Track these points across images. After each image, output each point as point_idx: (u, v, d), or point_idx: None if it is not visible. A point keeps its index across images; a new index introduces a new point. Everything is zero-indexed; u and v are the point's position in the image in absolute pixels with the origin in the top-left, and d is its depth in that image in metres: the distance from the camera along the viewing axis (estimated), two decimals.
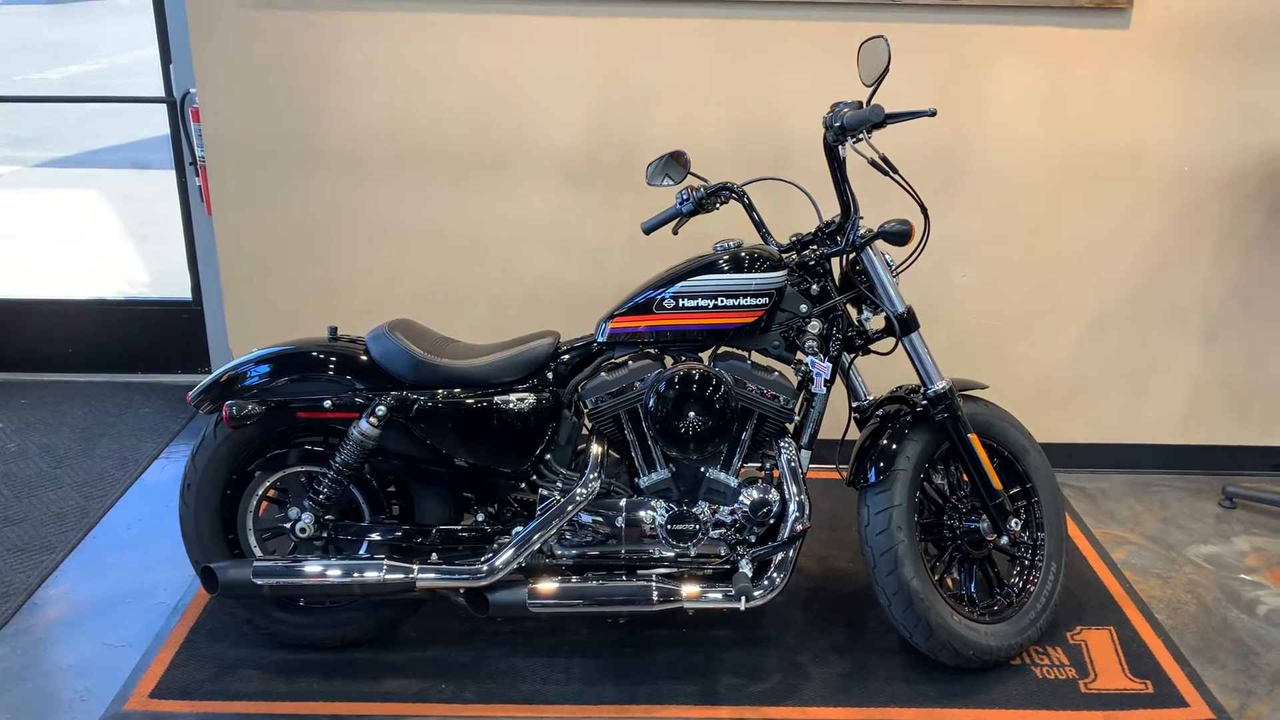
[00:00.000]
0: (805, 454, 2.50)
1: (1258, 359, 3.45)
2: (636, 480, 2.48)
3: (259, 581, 2.31)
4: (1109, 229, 3.30)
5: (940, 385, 2.48)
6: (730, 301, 2.39)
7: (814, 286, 2.46)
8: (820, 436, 2.51)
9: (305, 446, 2.47)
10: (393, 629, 2.58)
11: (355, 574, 2.32)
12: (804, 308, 2.45)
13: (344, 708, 2.37)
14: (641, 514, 2.44)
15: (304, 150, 3.22)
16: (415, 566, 2.34)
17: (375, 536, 2.45)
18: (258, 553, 2.52)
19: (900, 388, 2.60)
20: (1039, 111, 3.16)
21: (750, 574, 2.41)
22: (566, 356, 2.49)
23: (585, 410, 2.44)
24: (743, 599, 2.35)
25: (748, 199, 2.51)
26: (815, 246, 2.50)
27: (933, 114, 2.31)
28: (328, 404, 2.35)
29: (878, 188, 2.48)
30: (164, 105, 3.64)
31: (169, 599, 2.74)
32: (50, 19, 15.94)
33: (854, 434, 2.61)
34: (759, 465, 2.53)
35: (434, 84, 3.15)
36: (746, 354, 2.49)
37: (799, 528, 2.38)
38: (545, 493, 2.46)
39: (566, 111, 3.18)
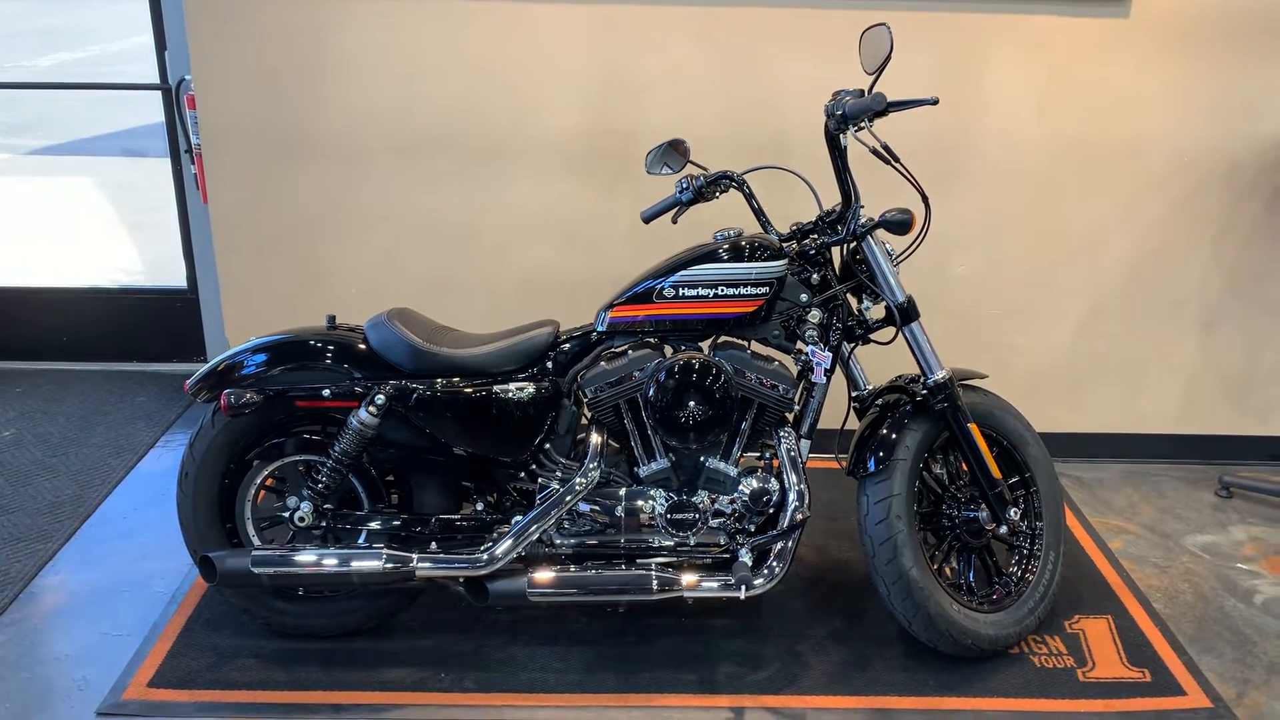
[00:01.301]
0: (805, 443, 2.49)
1: (1254, 349, 3.46)
2: (636, 470, 2.47)
3: (257, 571, 2.31)
4: (1107, 218, 3.30)
5: (940, 375, 2.48)
6: (730, 291, 2.38)
7: (814, 276, 2.46)
8: (820, 426, 2.51)
9: (304, 435, 2.46)
10: (392, 618, 2.57)
11: (354, 563, 2.32)
12: (804, 297, 2.44)
13: (343, 696, 2.37)
14: (641, 503, 2.44)
15: (301, 138, 3.20)
16: (414, 556, 2.34)
17: (374, 525, 2.45)
18: (256, 542, 2.51)
19: (900, 377, 2.59)
20: (1038, 100, 3.16)
21: (750, 563, 2.40)
22: (566, 346, 2.48)
23: (585, 399, 2.43)
24: (742, 588, 2.35)
25: (748, 188, 2.50)
26: (816, 235, 2.49)
27: (935, 102, 2.31)
28: (326, 393, 2.34)
29: (879, 176, 2.48)
30: (159, 92, 3.62)
31: (166, 588, 2.74)
32: (40, 5, 15.81)
33: (853, 423, 2.61)
34: (758, 455, 2.53)
35: (432, 72, 3.13)
36: (746, 343, 2.48)
37: (799, 517, 2.38)
38: (544, 482, 2.45)
39: (565, 100, 3.16)
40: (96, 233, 6.13)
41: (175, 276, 3.91)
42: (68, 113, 9.15)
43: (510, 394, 2.40)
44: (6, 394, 3.75)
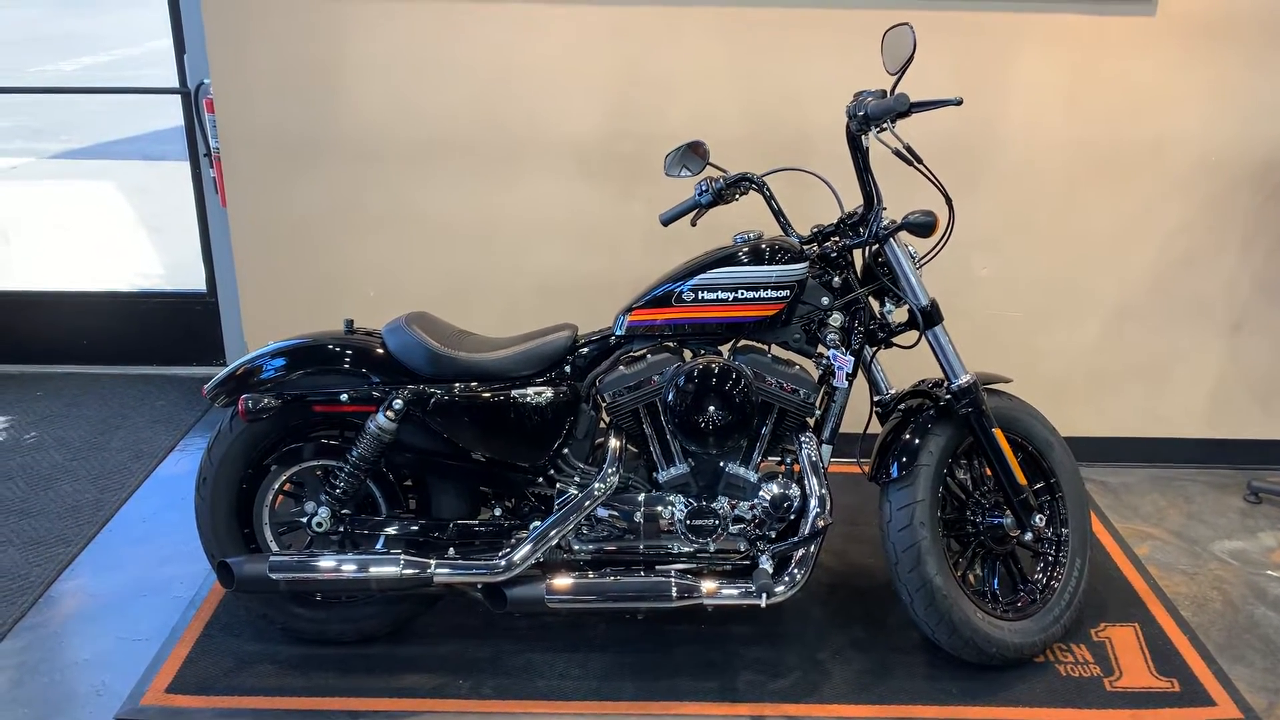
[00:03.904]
0: (826, 448, 2.46)
1: None
2: (655, 475, 2.45)
3: (275, 576, 2.29)
4: (1133, 220, 3.25)
5: (964, 379, 2.44)
6: (750, 294, 2.35)
7: (836, 279, 2.43)
8: (841, 430, 2.48)
9: (321, 440, 2.46)
10: (410, 624, 2.56)
11: (372, 569, 2.30)
12: (825, 300, 2.42)
13: (361, 703, 2.36)
14: (660, 509, 2.41)
15: (319, 141, 3.20)
16: (432, 561, 2.32)
17: (392, 531, 2.44)
18: (274, 547, 2.51)
19: (923, 381, 2.56)
20: (1063, 101, 3.12)
21: (770, 570, 2.38)
22: (584, 350, 2.46)
23: (603, 404, 2.41)
24: (763, 595, 2.32)
25: (768, 190, 2.47)
26: (837, 238, 2.46)
27: (959, 103, 2.27)
28: (344, 398, 2.33)
29: (901, 178, 2.44)
30: (179, 96, 3.62)
31: (185, 593, 2.73)
32: (62, 10, 15.96)
33: (875, 428, 2.57)
34: (779, 460, 2.50)
35: (449, 75, 3.12)
36: (767, 347, 2.46)
37: (820, 523, 2.35)
38: (563, 487, 2.43)
39: (584, 101, 3.14)
40: (117, 236, 6.16)
41: (195, 280, 3.92)
42: (89, 117, 9.22)
43: (528, 399, 2.38)
44: (27, 398, 3.77)
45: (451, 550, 2.42)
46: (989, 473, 2.55)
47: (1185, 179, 3.20)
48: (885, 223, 2.40)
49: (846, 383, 2.43)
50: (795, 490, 2.40)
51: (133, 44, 12.75)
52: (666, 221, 2.51)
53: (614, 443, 2.41)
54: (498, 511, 2.50)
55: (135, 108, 9.21)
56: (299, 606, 2.49)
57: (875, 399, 2.56)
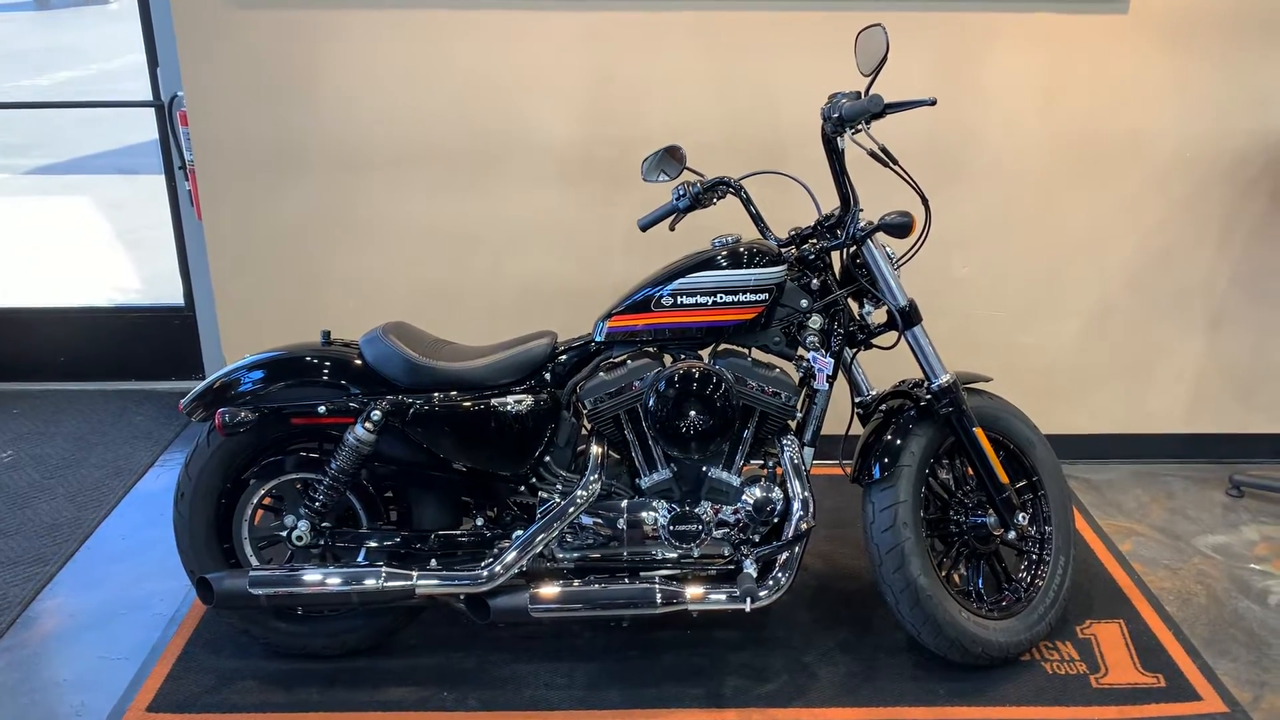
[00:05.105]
0: (808, 451, 2.46)
1: (1262, 345, 3.42)
2: (637, 481, 2.44)
3: (256, 592, 2.27)
4: (1110, 217, 3.27)
5: (944, 379, 2.44)
6: (729, 298, 2.35)
7: (814, 281, 2.43)
8: (823, 432, 2.48)
9: (300, 453, 2.43)
10: (393, 636, 2.54)
11: (353, 582, 2.29)
12: (804, 303, 2.41)
13: (345, 718, 2.34)
14: (643, 515, 2.40)
15: (294, 152, 3.18)
16: (414, 573, 2.31)
17: (373, 543, 2.42)
18: (254, 562, 2.48)
19: (904, 382, 2.56)
20: (1038, 99, 3.13)
21: (755, 574, 2.37)
22: (564, 357, 2.45)
23: (584, 411, 2.40)
24: (748, 600, 2.31)
25: (745, 193, 2.47)
26: (815, 240, 2.46)
27: (933, 103, 2.28)
28: (322, 409, 2.31)
29: (877, 179, 2.45)
30: (152, 109, 3.60)
31: (165, 610, 2.71)
32: (39, 25, 15.86)
33: (857, 429, 2.57)
34: (761, 463, 2.49)
35: (425, 83, 3.11)
36: (747, 351, 2.45)
37: (803, 526, 2.35)
38: (545, 495, 2.42)
39: (560, 108, 3.14)
40: (93, 251, 6.11)
41: (172, 294, 3.89)
42: (65, 131, 9.15)
43: (508, 407, 2.36)
44: (4, 416, 3.73)
45: (433, 561, 2.41)
46: (971, 472, 2.55)
47: (1161, 175, 3.22)
48: (862, 224, 2.40)
49: (827, 385, 2.43)
50: (778, 493, 2.40)
51: (110, 58, 12.68)
52: (645, 227, 2.50)
53: (596, 449, 2.40)
54: (479, 521, 2.48)
55: (111, 122, 9.16)
56: (280, 621, 2.46)
57: (856, 400, 2.56)
